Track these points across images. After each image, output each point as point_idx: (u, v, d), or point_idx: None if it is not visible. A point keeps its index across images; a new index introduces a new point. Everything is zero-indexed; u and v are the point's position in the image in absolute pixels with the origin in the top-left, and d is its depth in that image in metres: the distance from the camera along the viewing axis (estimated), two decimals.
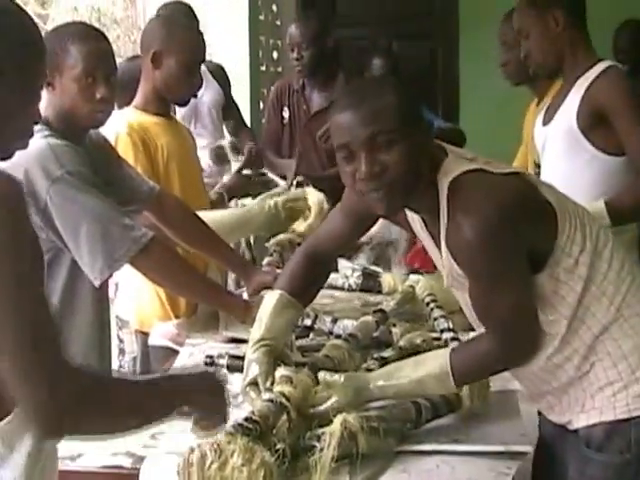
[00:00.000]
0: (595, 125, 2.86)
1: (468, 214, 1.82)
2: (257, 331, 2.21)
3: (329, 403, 1.97)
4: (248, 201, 3.54)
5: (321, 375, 2.02)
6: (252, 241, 3.64)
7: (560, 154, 2.95)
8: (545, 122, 3.04)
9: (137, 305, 3.19)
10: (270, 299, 2.24)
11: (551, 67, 2.99)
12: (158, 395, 1.63)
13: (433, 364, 1.99)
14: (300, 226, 3.24)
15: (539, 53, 2.95)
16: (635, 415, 1.91)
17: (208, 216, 2.95)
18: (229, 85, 4.63)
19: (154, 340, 2.90)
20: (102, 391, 1.48)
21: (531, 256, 1.89)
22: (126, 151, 2.91)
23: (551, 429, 2.08)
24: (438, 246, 1.95)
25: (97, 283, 2.41)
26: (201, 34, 3.57)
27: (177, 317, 3.07)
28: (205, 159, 4.14)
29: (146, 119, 3.05)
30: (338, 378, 1.99)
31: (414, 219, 2.05)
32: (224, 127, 4.63)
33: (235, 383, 2.34)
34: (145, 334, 3.14)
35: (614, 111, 2.80)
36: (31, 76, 1.56)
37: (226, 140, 4.22)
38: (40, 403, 1.39)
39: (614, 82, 2.86)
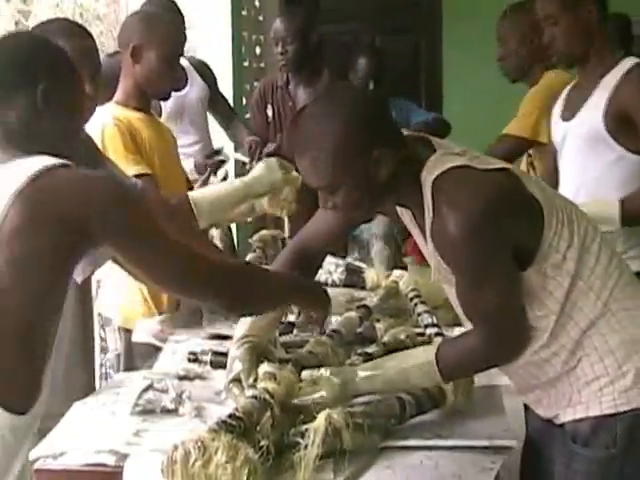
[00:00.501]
0: (622, 126, 2.82)
1: (451, 210, 1.82)
2: (241, 328, 2.20)
3: (315, 396, 1.97)
4: None
5: (306, 374, 2.02)
6: (234, 230, 3.63)
7: (585, 153, 2.91)
8: (566, 118, 3.00)
9: (120, 302, 3.17)
10: None
11: (575, 57, 2.94)
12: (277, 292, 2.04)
13: (421, 357, 2.00)
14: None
15: (567, 41, 2.90)
16: (621, 410, 1.90)
17: (211, 191, 2.94)
18: (214, 80, 4.61)
19: (137, 337, 2.88)
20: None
21: (517, 252, 1.88)
22: (115, 141, 2.89)
23: (538, 425, 2.08)
24: (426, 239, 1.96)
25: (79, 279, 2.39)
26: (183, 27, 3.54)
27: (160, 313, 3.05)
28: (193, 157, 4.13)
29: (129, 114, 3.04)
30: (324, 372, 1.99)
31: (403, 212, 2.06)
32: (215, 120, 4.61)
33: (218, 379, 2.35)
34: (128, 331, 3.13)
35: (636, 111, 2.79)
36: (67, 87, 1.73)
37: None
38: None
39: (636, 82, 2.83)
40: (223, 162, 4.04)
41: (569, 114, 2.97)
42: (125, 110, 3.05)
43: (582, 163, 2.91)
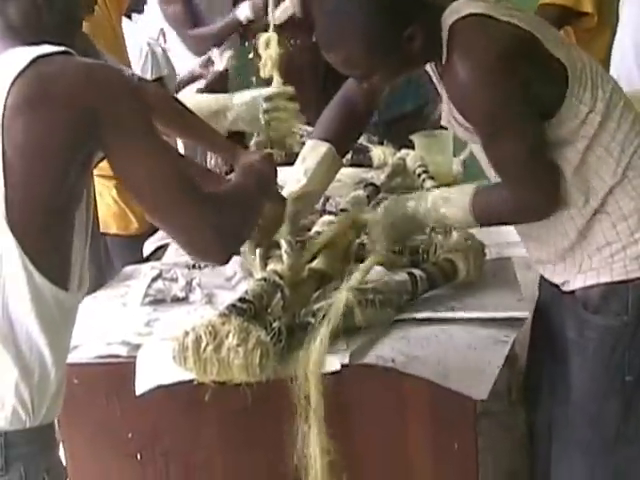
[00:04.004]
0: None
1: (463, 56, 1.76)
2: (301, 175, 2.18)
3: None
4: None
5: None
6: None
7: None
8: None
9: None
10: (319, 150, 2.19)
11: None
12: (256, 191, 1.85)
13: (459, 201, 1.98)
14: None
15: None
16: (632, 277, 1.88)
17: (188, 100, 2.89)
18: None
19: (148, 249, 2.86)
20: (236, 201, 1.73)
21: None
22: None
23: (549, 292, 2.06)
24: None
25: None
26: None
27: (134, 213, 3.12)
28: None
29: None
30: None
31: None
32: None
33: (229, 266, 2.32)
34: (102, 235, 3.15)
35: None
36: None
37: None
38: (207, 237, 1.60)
39: None
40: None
41: None
42: None
43: None
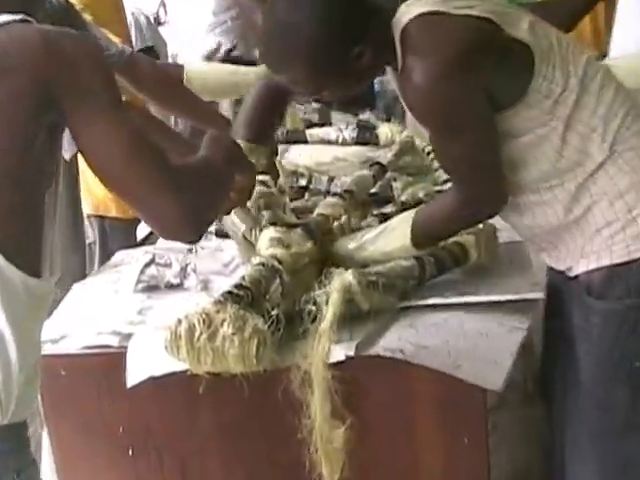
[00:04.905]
0: None
1: (417, 58, 1.70)
2: None
3: None
4: None
5: None
6: None
7: None
8: None
9: (88, 190, 3.15)
10: None
11: None
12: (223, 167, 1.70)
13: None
14: None
15: None
16: (635, 257, 1.80)
17: (209, 72, 2.82)
18: None
19: (143, 232, 2.80)
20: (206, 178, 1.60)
21: (494, 99, 1.75)
22: None
23: (557, 279, 1.98)
24: None
25: (67, 156, 2.28)
26: None
27: None
28: None
29: None
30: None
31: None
32: None
33: (226, 251, 2.24)
34: (100, 218, 3.08)
35: None
36: None
37: None
38: (177, 211, 1.47)
39: None
40: None
41: None
42: None
43: None
